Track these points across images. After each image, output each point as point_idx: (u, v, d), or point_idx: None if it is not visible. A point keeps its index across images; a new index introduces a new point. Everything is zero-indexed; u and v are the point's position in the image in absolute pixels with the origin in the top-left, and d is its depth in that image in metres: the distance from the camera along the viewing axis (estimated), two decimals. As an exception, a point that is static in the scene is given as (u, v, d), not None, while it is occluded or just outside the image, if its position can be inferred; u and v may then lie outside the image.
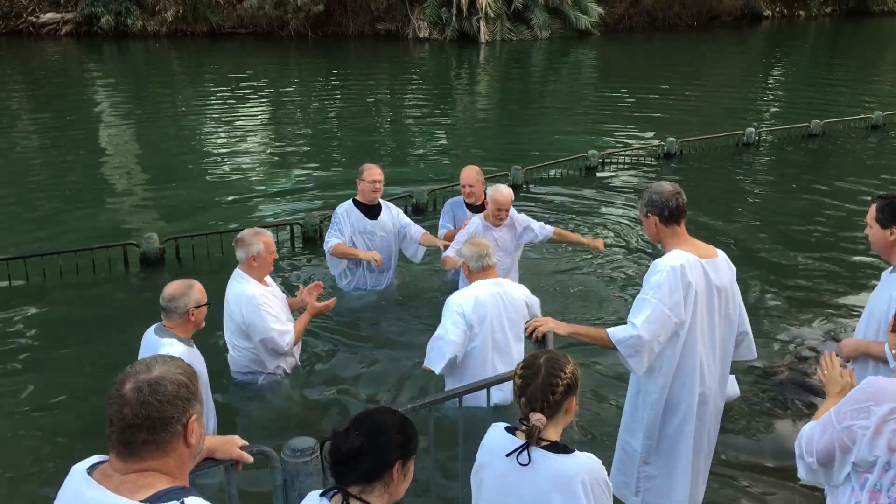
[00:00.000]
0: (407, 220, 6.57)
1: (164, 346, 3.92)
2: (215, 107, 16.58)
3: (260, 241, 4.80)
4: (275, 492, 2.84)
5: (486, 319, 4.46)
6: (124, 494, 1.66)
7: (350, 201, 6.36)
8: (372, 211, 6.34)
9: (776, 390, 5.25)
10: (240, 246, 4.82)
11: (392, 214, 6.46)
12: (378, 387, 5.35)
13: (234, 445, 2.48)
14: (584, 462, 2.47)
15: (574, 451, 2.49)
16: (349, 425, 2.17)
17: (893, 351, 2.83)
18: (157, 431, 1.69)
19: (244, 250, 4.80)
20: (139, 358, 3.99)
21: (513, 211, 5.93)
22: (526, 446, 2.47)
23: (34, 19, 28.83)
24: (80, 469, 1.78)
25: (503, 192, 5.67)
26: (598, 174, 10.91)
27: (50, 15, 28.97)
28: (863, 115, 14.16)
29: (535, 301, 4.69)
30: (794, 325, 6.35)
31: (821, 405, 2.84)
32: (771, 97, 19.37)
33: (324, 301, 5.04)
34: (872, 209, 3.57)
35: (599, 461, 2.52)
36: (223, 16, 29.89)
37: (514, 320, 4.55)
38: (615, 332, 3.41)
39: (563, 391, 2.49)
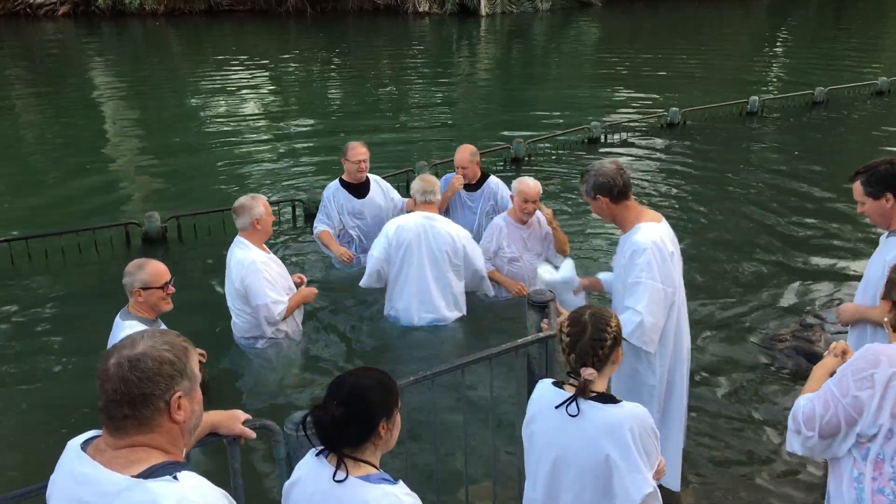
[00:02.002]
0: (395, 192, 6.55)
1: (124, 329, 3.79)
2: (215, 85, 16.45)
3: (259, 203, 4.88)
4: (278, 465, 2.84)
5: (404, 245, 5.07)
6: (116, 469, 1.65)
7: (337, 181, 6.30)
8: (360, 189, 6.27)
9: (781, 358, 5.25)
10: (241, 213, 4.86)
11: (382, 188, 6.41)
12: (376, 350, 5.44)
13: (237, 421, 2.45)
14: (632, 411, 2.54)
15: (621, 401, 2.56)
16: (327, 395, 2.20)
17: (885, 319, 2.67)
18: (137, 407, 1.68)
19: (246, 215, 4.84)
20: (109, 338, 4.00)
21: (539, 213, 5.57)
22: (574, 398, 2.54)
23: (31, 0, 28.60)
24: (74, 444, 1.77)
25: (530, 183, 5.34)
26: (601, 145, 10.84)
27: (46, -5, 28.77)
28: (868, 82, 14.00)
29: (472, 245, 5.19)
30: (798, 292, 6.33)
31: (811, 377, 2.76)
32: (775, 65, 19.15)
33: (309, 288, 5.16)
34: (857, 186, 3.44)
35: (647, 410, 2.58)
36: (220, -7, 29.64)
37: (435, 252, 5.01)
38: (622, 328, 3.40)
39: (611, 344, 2.57)
